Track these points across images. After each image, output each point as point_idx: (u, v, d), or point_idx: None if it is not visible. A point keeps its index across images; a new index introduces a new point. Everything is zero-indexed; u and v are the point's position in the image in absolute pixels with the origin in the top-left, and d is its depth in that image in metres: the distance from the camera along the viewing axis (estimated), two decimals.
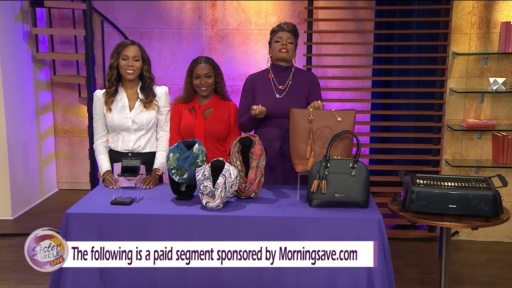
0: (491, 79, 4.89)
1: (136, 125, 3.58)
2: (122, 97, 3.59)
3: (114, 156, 3.61)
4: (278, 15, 6.31)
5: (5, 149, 5.64)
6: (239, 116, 3.74)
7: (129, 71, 3.53)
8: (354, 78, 5.93)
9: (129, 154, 3.60)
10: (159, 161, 3.63)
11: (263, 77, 3.75)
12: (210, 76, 3.67)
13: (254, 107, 3.49)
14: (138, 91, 3.62)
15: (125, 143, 3.62)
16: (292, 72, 3.71)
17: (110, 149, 3.67)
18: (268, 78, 3.72)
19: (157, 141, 3.70)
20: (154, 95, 3.63)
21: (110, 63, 3.56)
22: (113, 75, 3.56)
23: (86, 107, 5.78)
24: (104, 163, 3.60)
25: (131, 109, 3.59)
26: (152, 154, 3.67)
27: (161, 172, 3.62)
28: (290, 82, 3.68)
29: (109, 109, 3.56)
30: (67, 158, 6.88)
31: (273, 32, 3.73)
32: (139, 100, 3.59)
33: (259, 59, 6.37)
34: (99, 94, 3.62)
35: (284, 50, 3.63)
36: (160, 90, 3.67)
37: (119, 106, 3.58)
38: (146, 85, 3.61)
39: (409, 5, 5.38)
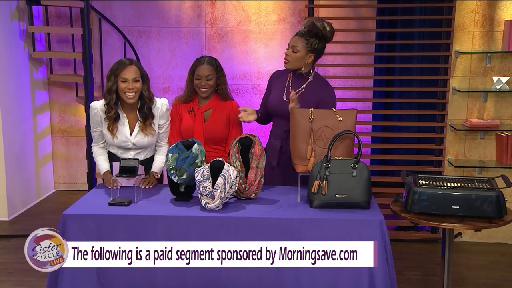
0: (495, 78, 4.85)
1: (136, 146, 3.53)
2: (124, 122, 3.49)
3: (114, 159, 3.57)
4: (279, 13, 6.26)
5: (1, 149, 5.59)
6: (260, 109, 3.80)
7: (129, 94, 3.39)
8: (355, 77, 5.89)
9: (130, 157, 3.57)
10: (158, 165, 3.59)
11: (284, 75, 3.71)
12: (211, 79, 3.62)
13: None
14: (138, 113, 3.51)
15: (125, 155, 3.58)
16: (309, 81, 3.62)
17: (109, 152, 3.62)
18: (286, 78, 3.68)
19: (156, 148, 3.67)
20: (153, 117, 3.51)
21: (108, 87, 3.41)
22: (112, 100, 3.42)
23: (83, 106, 5.73)
24: (103, 164, 3.55)
25: (131, 131, 3.51)
26: (152, 159, 3.65)
27: (158, 176, 3.58)
28: (302, 90, 3.61)
29: (114, 134, 3.46)
30: (64, 158, 6.83)
31: None
32: (139, 122, 3.50)
33: (259, 58, 6.33)
34: (96, 108, 3.48)
35: (285, 62, 3.59)
36: (161, 105, 3.55)
37: (119, 128, 3.49)
38: (144, 106, 3.48)
39: (411, 3, 5.34)
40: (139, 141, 3.51)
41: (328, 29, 3.51)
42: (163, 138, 3.64)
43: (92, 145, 3.63)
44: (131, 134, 3.50)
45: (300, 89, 3.61)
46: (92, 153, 3.64)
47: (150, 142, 3.54)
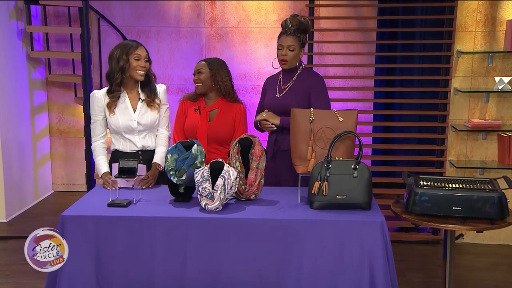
0: (497, 78, 4.83)
1: (141, 126, 3.53)
2: (125, 99, 3.53)
3: (122, 157, 3.49)
4: (279, 13, 6.23)
5: None
6: (255, 115, 3.83)
7: (141, 72, 3.49)
8: (356, 77, 5.86)
9: (139, 153, 3.57)
10: (159, 156, 3.59)
11: (275, 77, 3.81)
12: (201, 73, 3.71)
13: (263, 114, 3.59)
14: (140, 91, 3.57)
15: (133, 144, 3.57)
16: (298, 73, 3.69)
17: (116, 150, 3.60)
18: (277, 78, 3.77)
19: (156, 138, 3.67)
20: (156, 93, 3.60)
21: (120, 66, 3.46)
22: (122, 79, 3.49)
23: (82, 107, 5.71)
24: (102, 165, 3.52)
25: (134, 110, 3.53)
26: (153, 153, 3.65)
27: (161, 168, 3.57)
28: (293, 83, 3.67)
29: (113, 112, 3.49)
30: (63, 159, 6.80)
31: (282, 28, 3.67)
32: (141, 100, 3.55)
33: (259, 58, 6.31)
34: (98, 94, 3.53)
35: (284, 62, 3.63)
36: (159, 88, 3.64)
37: (121, 108, 3.51)
38: (150, 83, 3.58)
39: (412, 3, 5.33)
40: (142, 119, 3.52)
41: (309, 22, 3.67)
42: (163, 124, 3.66)
43: (92, 141, 3.60)
44: (134, 113, 3.53)
45: (290, 81, 3.68)
46: (92, 151, 3.61)
47: (152, 120, 3.56)
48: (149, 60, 3.56)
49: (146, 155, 3.56)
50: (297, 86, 3.65)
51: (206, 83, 3.72)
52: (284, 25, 3.63)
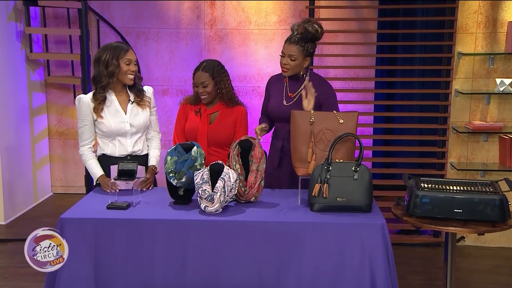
0: (498, 80, 4.82)
1: (133, 128, 3.50)
2: (112, 102, 3.48)
3: (110, 161, 3.50)
4: (279, 14, 6.22)
5: None
6: (260, 116, 3.85)
7: (131, 76, 3.46)
8: (356, 79, 5.85)
9: (128, 157, 3.51)
10: (155, 160, 3.60)
11: (280, 80, 3.72)
12: (206, 85, 3.64)
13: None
14: (129, 93, 3.54)
15: (123, 147, 3.53)
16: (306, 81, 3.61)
17: (103, 154, 3.54)
18: (283, 82, 3.69)
19: (148, 141, 3.66)
20: (144, 92, 3.59)
21: (109, 70, 3.40)
22: (108, 83, 3.43)
23: None
24: (96, 168, 3.47)
25: (125, 112, 3.50)
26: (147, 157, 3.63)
27: (157, 169, 3.58)
28: (301, 93, 3.57)
29: (100, 116, 3.43)
30: (62, 161, 6.78)
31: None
32: (130, 102, 3.52)
33: (259, 59, 6.29)
34: (85, 99, 3.45)
35: (284, 70, 3.57)
36: (148, 91, 3.63)
37: (111, 111, 3.47)
38: (136, 83, 3.55)
39: (413, 4, 5.33)
40: (135, 120, 3.50)
41: (319, 30, 3.54)
42: (154, 126, 3.66)
43: (79, 146, 3.52)
44: (126, 115, 3.50)
45: (298, 91, 3.61)
46: (81, 156, 3.54)
47: (144, 120, 3.54)
48: (137, 63, 3.53)
49: (134, 160, 3.46)
50: None
51: (212, 94, 3.67)
52: (291, 30, 3.56)
